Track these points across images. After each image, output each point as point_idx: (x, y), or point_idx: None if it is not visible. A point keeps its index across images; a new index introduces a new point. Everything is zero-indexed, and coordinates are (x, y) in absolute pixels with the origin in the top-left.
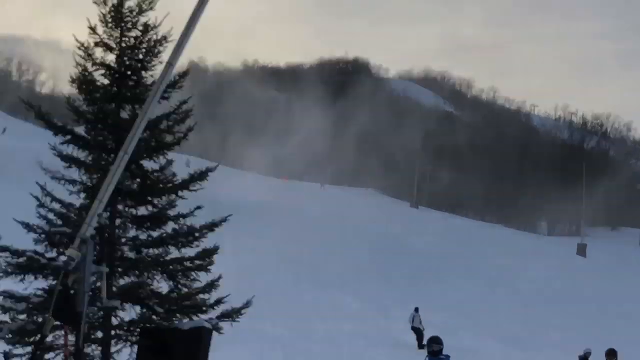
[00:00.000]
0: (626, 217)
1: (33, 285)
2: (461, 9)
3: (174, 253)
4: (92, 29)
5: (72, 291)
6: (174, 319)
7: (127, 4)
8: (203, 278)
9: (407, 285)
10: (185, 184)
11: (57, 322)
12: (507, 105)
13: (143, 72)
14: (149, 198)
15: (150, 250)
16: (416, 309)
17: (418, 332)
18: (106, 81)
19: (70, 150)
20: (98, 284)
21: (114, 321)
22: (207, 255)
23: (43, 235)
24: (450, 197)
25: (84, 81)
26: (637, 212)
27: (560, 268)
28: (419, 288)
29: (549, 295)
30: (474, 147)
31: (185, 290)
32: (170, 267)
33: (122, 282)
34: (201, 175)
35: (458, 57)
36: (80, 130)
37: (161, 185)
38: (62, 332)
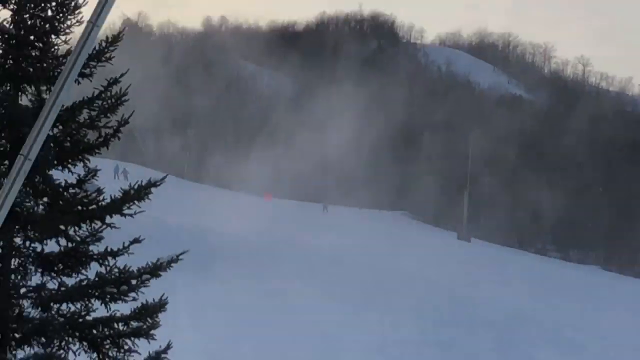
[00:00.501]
0: None
1: None
2: None
3: (98, 311)
4: None
5: None
6: None
7: None
8: (144, 349)
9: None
10: (117, 206)
11: None
12: (603, 85)
13: (53, 37)
14: (61, 227)
15: (64, 306)
16: None
17: None
18: None
19: None
20: None
21: None
22: (150, 313)
23: None
24: (517, 226)
25: None
26: None
27: None
28: None
29: None
30: (555, 147)
31: None
32: (94, 331)
33: (20, 354)
34: (141, 192)
35: (527, 13)
36: None
37: (79, 208)
38: None
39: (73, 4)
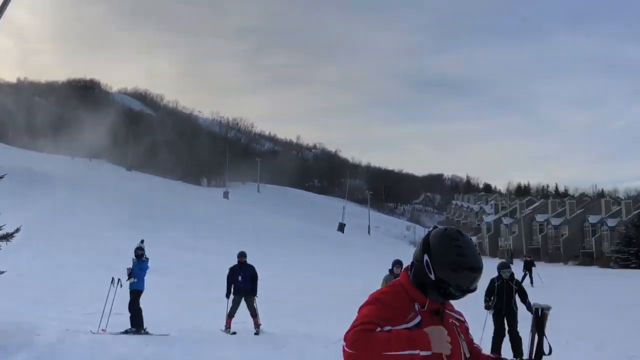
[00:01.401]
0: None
1: None
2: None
3: None
4: None
5: None
6: None
7: None
8: None
9: (126, 214)
10: None
11: None
12: (184, 111)
13: None
14: None
15: None
16: (142, 240)
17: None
18: None
19: None
20: None
21: None
22: None
23: None
24: (148, 164)
25: None
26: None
27: (215, 204)
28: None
29: (208, 220)
30: (165, 135)
31: None
32: None
33: None
34: None
35: (161, 79)
36: None
37: None
38: None
39: None
